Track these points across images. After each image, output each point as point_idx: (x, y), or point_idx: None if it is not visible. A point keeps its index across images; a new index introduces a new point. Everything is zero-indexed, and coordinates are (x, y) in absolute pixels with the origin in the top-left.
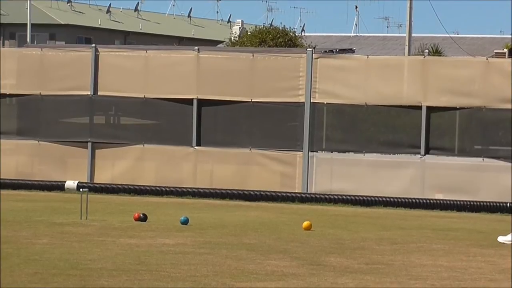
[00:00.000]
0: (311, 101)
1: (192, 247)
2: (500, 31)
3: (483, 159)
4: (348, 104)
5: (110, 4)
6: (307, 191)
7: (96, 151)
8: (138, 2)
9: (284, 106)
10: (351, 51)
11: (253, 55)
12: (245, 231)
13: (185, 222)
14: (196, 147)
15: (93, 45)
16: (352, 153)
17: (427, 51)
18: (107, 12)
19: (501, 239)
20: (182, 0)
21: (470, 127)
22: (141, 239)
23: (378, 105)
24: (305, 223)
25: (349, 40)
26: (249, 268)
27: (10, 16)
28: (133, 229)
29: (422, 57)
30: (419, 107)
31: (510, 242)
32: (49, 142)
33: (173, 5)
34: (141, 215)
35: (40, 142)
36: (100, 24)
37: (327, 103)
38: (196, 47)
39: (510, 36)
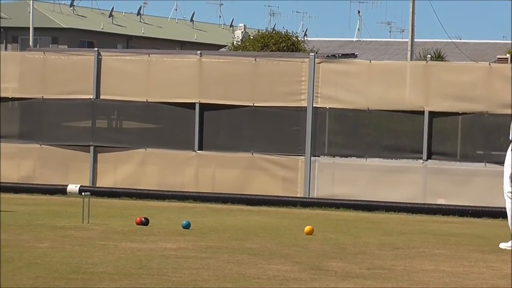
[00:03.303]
0: (313, 105)
1: (193, 251)
2: (503, 37)
3: (485, 164)
4: (350, 109)
5: (113, 8)
6: (309, 195)
7: (98, 155)
8: (140, 6)
9: (286, 111)
10: (353, 56)
11: (255, 60)
12: (246, 236)
13: (186, 226)
14: (198, 151)
15: (96, 49)
16: (354, 158)
17: (429, 56)
18: (109, 16)
19: (502, 245)
20: (185, 3)
21: (472, 132)
22: (143, 243)
23: (380, 110)
24: (307, 228)
25: (351, 45)
26: (250, 273)
27: (12, 20)
28: (135, 233)
29: (424, 62)
30: (421, 112)
31: (510, 248)
32: (51, 146)
33: (176, 9)
34: (143, 219)
35: (42, 145)
36: (102, 28)
37: (329, 107)
38: (199, 51)
39: (511, 41)
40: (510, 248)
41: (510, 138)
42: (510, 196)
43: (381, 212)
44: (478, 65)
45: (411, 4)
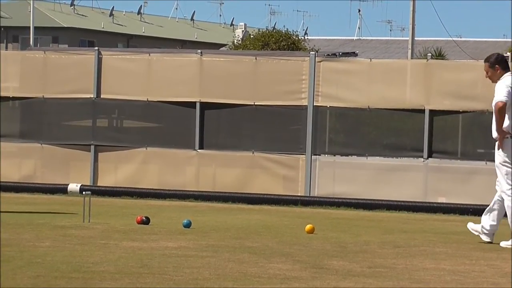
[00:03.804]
0: (314, 104)
1: (194, 250)
2: (503, 35)
3: (486, 163)
4: (351, 108)
5: (113, 7)
6: (309, 194)
7: (99, 154)
8: (141, 5)
9: (287, 110)
10: (354, 54)
11: (256, 59)
12: (247, 234)
13: (187, 225)
14: (199, 150)
15: (96, 48)
16: (355, 156)
17: (430, 54)
18: (110, 15)
19: (503, 244)
20: (185, 2)
21: (473, 130)
22: (144, 242)
23: (381, 109)
24: (308, 227)
25: (352, 43)
26: (251, 272)
27: (13, 19)
28: (136, 232)
29: (425, 60)
30: (422, 111)
31: (510, 246)
32: (52, 145)
33: (176, 8)
34: (144, 218)
35: (43, 145)
36: (103, 27)
37: (330, 106)
38: (199, 50)
39: (511, 40)
40: (511, 247)
41: (494, 137)
42: (510, 194)
43: (382, 211)
44: (479, 63)
45: (411, 3)
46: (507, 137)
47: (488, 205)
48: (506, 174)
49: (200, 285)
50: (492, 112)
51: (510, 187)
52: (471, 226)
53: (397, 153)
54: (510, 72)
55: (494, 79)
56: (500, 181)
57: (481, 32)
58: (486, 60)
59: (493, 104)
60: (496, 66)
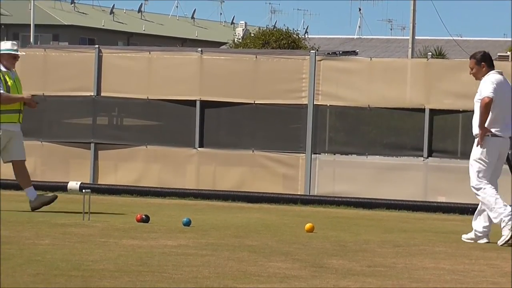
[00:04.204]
0: (314, 103)
1: (194, 248)
2: (504, 34)
3: None
4: (351, 107)
5: (114, 5)
6: (309, 193)
7: (99, 152)
8: (141, 3)
9: (287, 108)
10: (354, 53)
11: (256, 57)
12: (247, 233)
13: (187, 223)
14: (198, 149)
15: (97, 46)
16: (355, 155)
17: (430, 53)
18: (110, 13)
19: (501, 242)
20: (186, 1)
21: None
22: (143, 240)
23: (381, 108)
24: (308, 225)
25: (352, 42)
26: (251, 270)
27: (13, 17)
28: (135, 230)
29: (425, 59)
30: (422, 110)
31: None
32: (52, 143)
33: (177, 7)
34: (144, 216)
35: (43, 143)
36: (103, 25)
37: (330, 105)
38: (200, 49)
39: (511, 39)
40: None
41: (474, 134)
42: (481, 186)
43: (382, 210)
44: None
45: (412, 2)
46: (488, 135)
47: None
48: (478, 171)
49: (199, 283)
50: (473, 110)
51: (479, 182)
52: (465, 237)
53: (397, 152)
54: (495, 70)
55: (479, 76)
56: (471, 176)
57: (481, 31)
58: (472, 57)
59: (477, 99)
60: (482, 63)
